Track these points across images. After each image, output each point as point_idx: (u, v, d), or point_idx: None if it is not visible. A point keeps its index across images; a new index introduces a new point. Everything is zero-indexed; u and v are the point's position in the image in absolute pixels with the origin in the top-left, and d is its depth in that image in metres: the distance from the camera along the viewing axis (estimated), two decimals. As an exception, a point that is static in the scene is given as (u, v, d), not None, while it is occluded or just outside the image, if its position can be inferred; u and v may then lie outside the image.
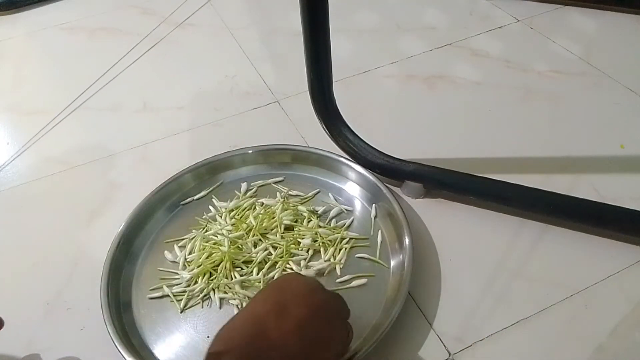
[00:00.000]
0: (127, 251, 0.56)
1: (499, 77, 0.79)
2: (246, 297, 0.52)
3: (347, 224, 0.58)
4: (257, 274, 0.53)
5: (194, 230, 0.59)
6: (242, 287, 0.53)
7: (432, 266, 0.55)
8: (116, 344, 0.47)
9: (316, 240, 0.56)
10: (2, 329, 0.45)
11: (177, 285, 0.54)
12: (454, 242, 0.57)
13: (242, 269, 0.54)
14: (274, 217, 0.58)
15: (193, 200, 0.62)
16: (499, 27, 0.89)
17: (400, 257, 0.53)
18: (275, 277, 0.53)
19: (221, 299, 0.52)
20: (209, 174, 0.64)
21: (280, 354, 0.34)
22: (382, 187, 0.59)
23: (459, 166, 0.62)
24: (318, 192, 0.62)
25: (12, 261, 0.60)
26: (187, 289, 0.53)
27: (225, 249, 0.55)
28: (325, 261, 0.54)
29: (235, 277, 0.53)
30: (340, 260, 0.54)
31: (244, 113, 0.77)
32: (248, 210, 0.60)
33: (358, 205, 0.61)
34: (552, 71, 0.79)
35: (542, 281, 0.53)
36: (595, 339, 0.48)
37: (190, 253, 0.56)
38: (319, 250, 0.55)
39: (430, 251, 0.56)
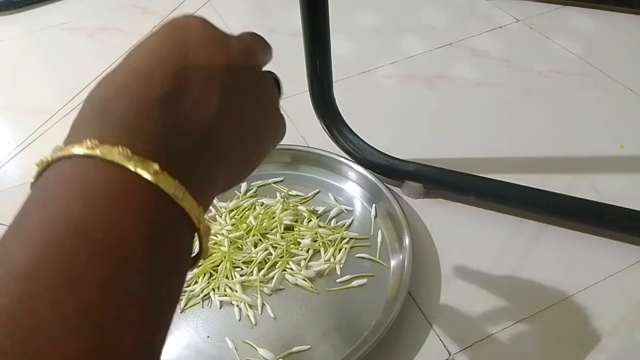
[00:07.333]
0: (127, 251, 0.56)
1: (499, 77, 0.79)
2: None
3: (347, 224, 0.58)
4: (257, 274, 0.53)
5: (194, 230, 0.58)
6: (242, 287, 0.53)
7: (432, 266, 0.55)
8: (116, 344, 0.47)
9: (316, 240, 0.56)
10: None
11: (177, 285, 0.54)
12: (454, 242, 0.57)
13: (242, 269, 0.54)
14: (274, 217, 0.58)
15: (193, 200, 0.62)
16: (499, 27, 0.89)
17: (400, 257, 0.53)
18: (275, 278, 0.53)
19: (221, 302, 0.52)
20: (209, 174, 0.64)
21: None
22: (382, 187, 0.59)
23: (459, 166, 0.62)
24: (318, 192, 0.62)
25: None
26: (187, 289, 0.53)
27: (225, 249, 0.55)
28: (325, 261, 0.54)
29: (235, 277, 0.53)
30: (340, 260, 0.54)
31: (244, 113, 0.76)
32: (248, 210, 0.60)
33: (358, 205, 0.61)
34: (551, 71, 0.79)
35: (542, 281, 0.53)
36: (595, 339, 0.48)
37: (190, 253, 0.56)
38: (319, 251, 0.55)
39: (430, 251, 0.56)
